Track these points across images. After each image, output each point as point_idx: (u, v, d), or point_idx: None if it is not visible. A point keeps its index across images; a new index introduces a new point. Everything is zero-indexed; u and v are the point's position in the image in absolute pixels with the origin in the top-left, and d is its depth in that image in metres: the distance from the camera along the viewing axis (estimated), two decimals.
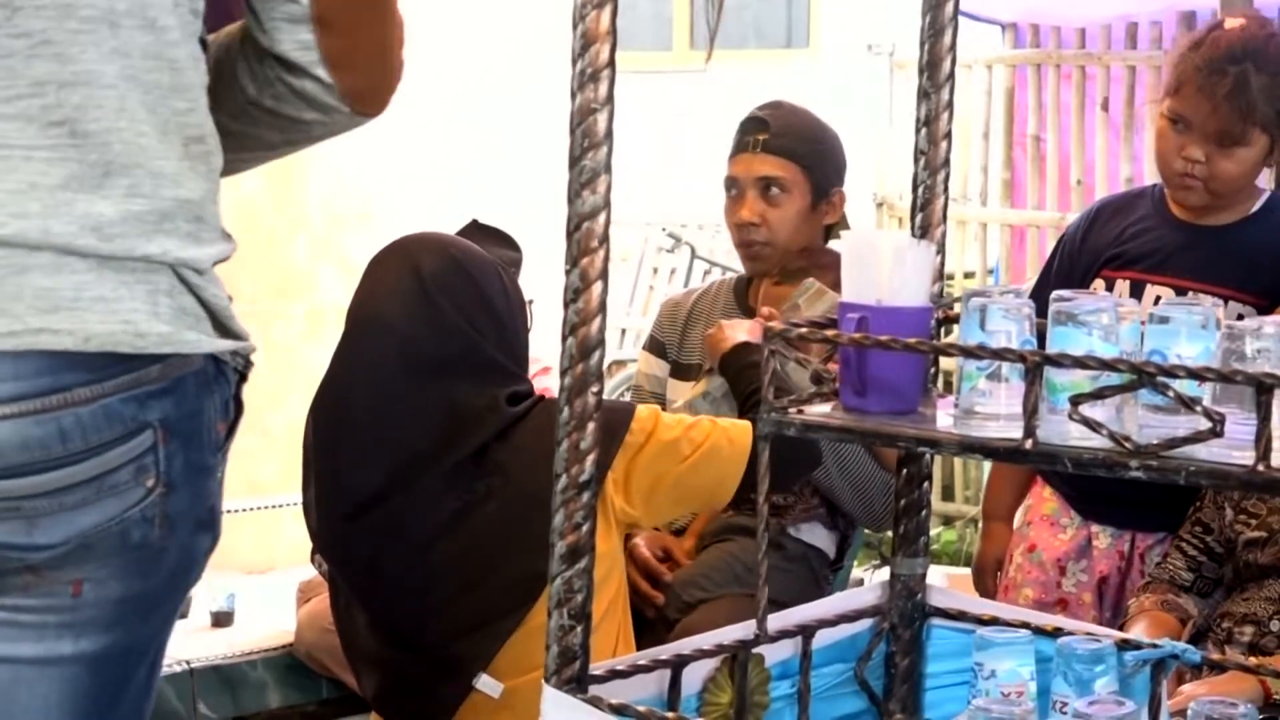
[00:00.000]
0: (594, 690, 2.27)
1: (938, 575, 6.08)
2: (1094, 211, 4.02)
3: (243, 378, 2.24)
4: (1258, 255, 3.73)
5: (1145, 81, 7.48)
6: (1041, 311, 2.29)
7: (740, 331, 3.81)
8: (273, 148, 2.35)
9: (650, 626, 3.77)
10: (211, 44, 2.21)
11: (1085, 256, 3.90)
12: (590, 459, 2.22)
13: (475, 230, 3.60)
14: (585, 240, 2.19)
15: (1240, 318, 3.57)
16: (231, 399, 2.21)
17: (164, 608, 2.19)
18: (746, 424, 3.43)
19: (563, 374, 2.22)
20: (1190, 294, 3.50)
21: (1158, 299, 3.66)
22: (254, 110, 2.24)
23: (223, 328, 2.15)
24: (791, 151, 4.10)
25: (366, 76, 2.28)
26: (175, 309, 2.07)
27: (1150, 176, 4.05)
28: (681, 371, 4.16)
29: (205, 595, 4.93)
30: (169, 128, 2.05)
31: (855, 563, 4.61)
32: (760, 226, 4.10)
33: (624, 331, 9.50)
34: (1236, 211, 3.79)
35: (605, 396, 2.28)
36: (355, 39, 2.23)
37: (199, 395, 2.12)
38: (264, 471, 5.74)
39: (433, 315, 3.33)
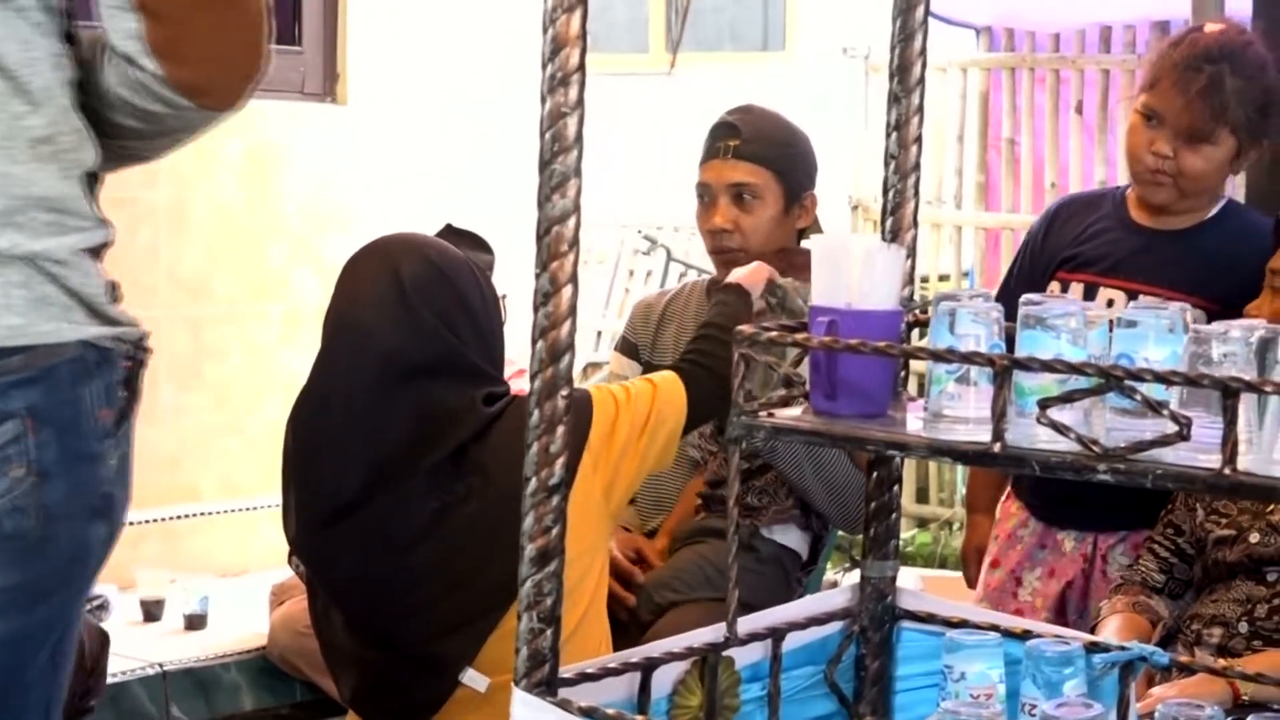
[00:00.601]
0: (564, 693, 2.27)
1: (912, 578, 6.11)
2: (1053, 211, 4.06)
3: (137, 363, 2.23)
4: (1211, 259, 3.76)
5: (1119, 85, 7.51)
6: (1009, 313, 2.30)
7: (746, 275, 3.83)
8: (145, 139, 2.30)
9: (623, 628, 3.77)
10: (85, 38, 2.21)
11: (1044, 256, 3.94)
12: (560, 462, 2.23)
13: (450, 234, 3.61)
14: (555, 244, 2.19)
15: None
16: (121, 384, 2.20)
17: (57, 596, 2.18)
18: (674, 376, 3.51)
19: (532, 377, 2.22)
20: (1141, 297, 3.52)
21: (1110, 302, 3.72)
22: (116, 101, 2.22)
23: (98, 314, 2.15)
24: (763, 157, 4.10)
25: (201, 69, 2.22)
26: (31, 300, 2.07)
27: (1125, 180, 4.06)
28: (653, 372, 4.15)
29: (179, 598, 4.93)
30: (13, 132, 2.06)
31: (829, 564, 4.62)
32: (734, 233, 4.09)
33: (600, 334, 9.51)
34: (1194, 216, 3.83)
35: None
36: (184, 29, 2.17)
37: (75, 384, 2.11)
38: (241, 473, 5.73)
39: (410, 319, 3.34)
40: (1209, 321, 3.60)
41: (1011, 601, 3.95)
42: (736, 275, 3.83)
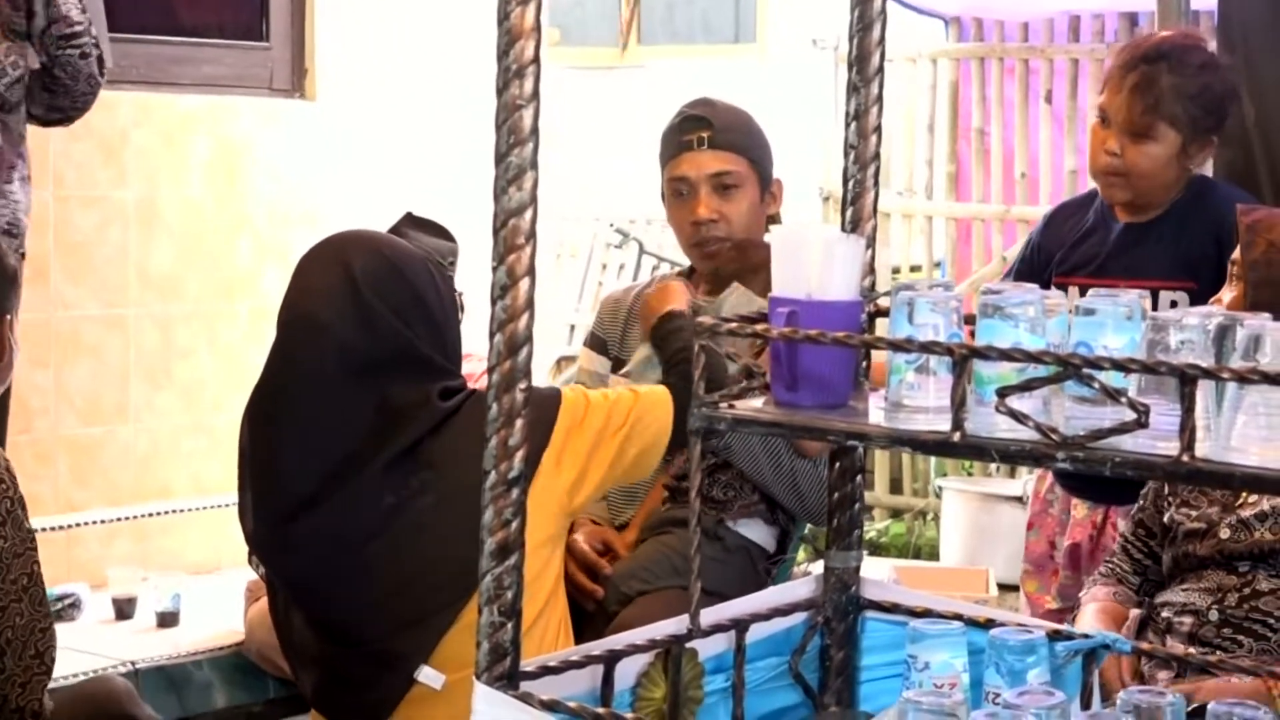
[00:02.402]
0: (525, 686, 2.27)
1: (886, 568, 6.12)
2: (1049, 216, 4.22)
3: None
4: (1183, 238, 3.89)
5: (1088, 74, 7.53)
6: None
7: (671, 299, 3.85)
8: None
9: (589, 620, 3.78)
10: None
11: (1041, 257, 4.10)
12: (519, 455, 2.22)
13: (410, 222, 3.61)
14: (511, 237, 2.19)
15: (1174, 305, 3.68)
16: None
17: None
18: (664, 390, 3.47)
19: (490, 370, 2.21)
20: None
21: None
22: None
23: None
24: (738, 145, 4.10)
25: None
26: None
27: None
28: (623, 367, 4.15)
29: (151, 596, 4.92)
30: None
31: (799, 555, 4.63)
32: (719, 222, 4.08)
33: (573, 327, 9.49)
34: (1164, 200, 3.95)
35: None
36: None
37: None
38: (210, 471, 5.73)
39: (364, 314, 3.33)
40: (1193, 302, 3.72)
41: (1050, 564, 4.15)
42: (673, 299, 3.86)
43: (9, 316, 3.43)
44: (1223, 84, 3.93)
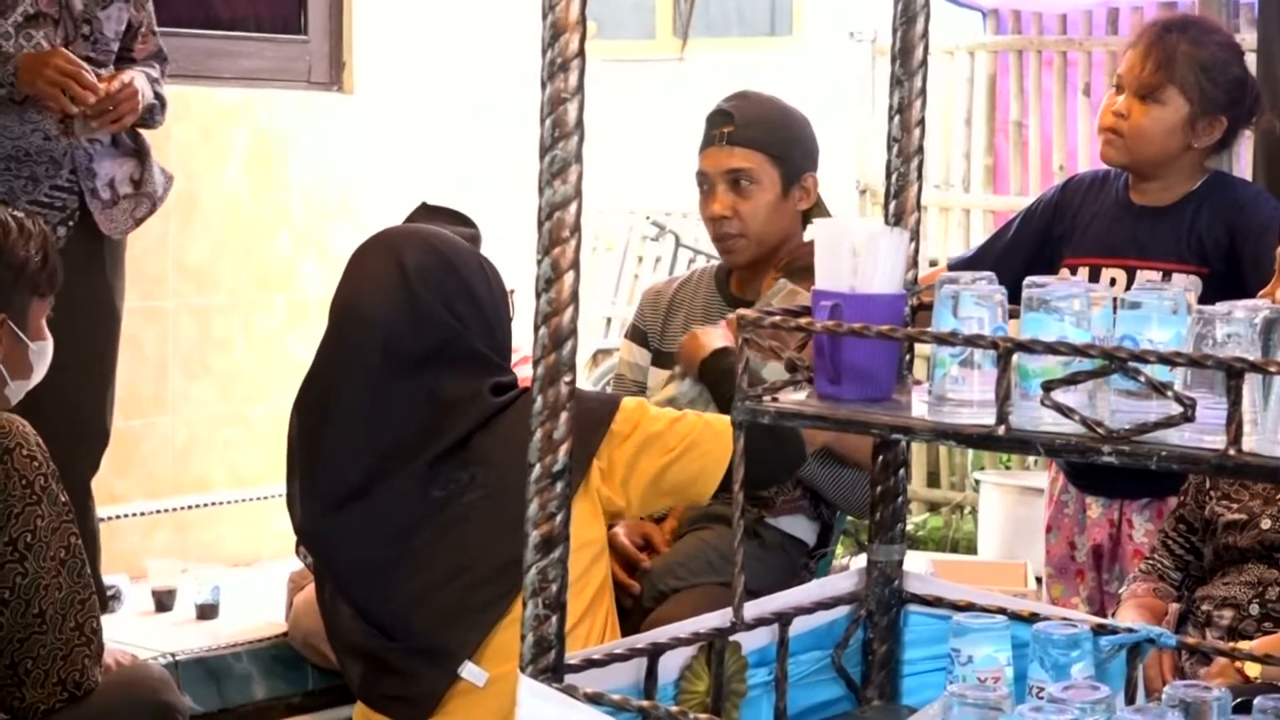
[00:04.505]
0: (570, 679, 2.27)
1: (923, 561, 6.10)
2: (1066, 182, 4.22)
3: None
4: (1202, 229, 3.87)
5: None
6: (1001, 276, 2.35)
7: (715, 337, 3.83)
8: None
9: (627, 615, 3.78)
10: None
11: (1047, 213, 4.09)
12: (564, 448, 2.23)
13: (426, 211, 3.61)
14: (556, 230, 2.19)
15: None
16: None
17: None
18: (727, 422, 3.42)
19: (535, 363, 2.22)
20: (1139, 274, 3.80)
21: (1113, 281, 3.86)
22: None
23: None
24: (757, 142, 4.10)
25: None
26: None
27: None
28: (663, 360, 4.16)
29: (190, 588, 4.93)
30: None
31: (838, 549, 4.63)
32: (733, 219, 4.09)
33: (609, 320, 9.50)
34: (1179, 189, 3.94)
35: (591, 386, 2.29)
36: None
37: None
38: (248, 464, 5.73)
39: (416, 308, 3.33)
40: (1206, 288, 3.73)
41: (1072, 565, 4.13)
42: (718, 338, 3.83)
43: (31, 308, 3.44)
44: (1239, 66, 3.94)
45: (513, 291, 3.52)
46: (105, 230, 4.51)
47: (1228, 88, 3.88)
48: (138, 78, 4.48)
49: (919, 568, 3.46)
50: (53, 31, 4.44)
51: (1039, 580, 6.28)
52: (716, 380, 3.76)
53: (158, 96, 4.60)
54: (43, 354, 3.50)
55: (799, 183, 4.13)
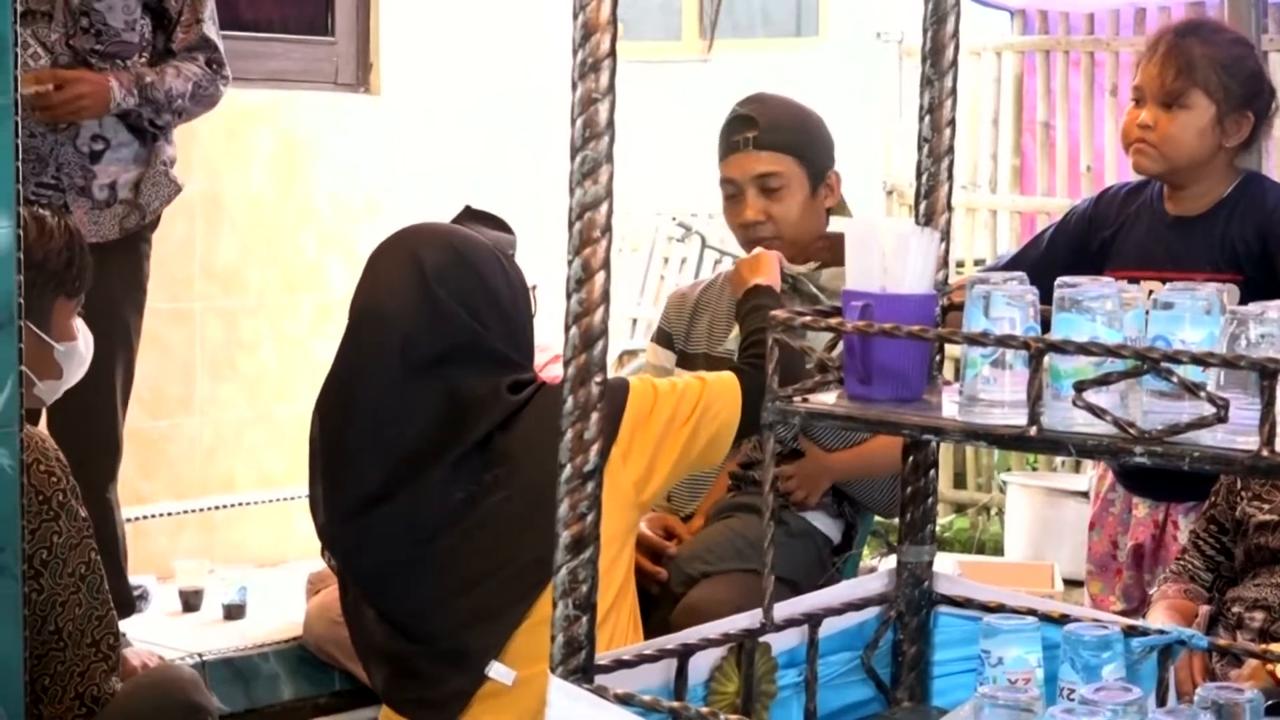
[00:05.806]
0: (600, 680, 2.27)
1: (950, 563, 6.09)
2: (1101, 193, 4.18)
3: None
4: (1230, 230, 3.85)
5: None
6: (1034, 280, 2.33)
7: (762, 270, 3.86)
8: None
9: (654, 603, 3.78)
10: None
11: (1081, 224, 4.05)
12: (594, 449, 2.22)
13: (469, 215, 3.61)
14: (587, 230, 2.19)
15: None
16: None
17: None
18: (731, 377, 3.44)
19: (566, 364, 2.22)
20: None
21: (1150, 294, 3.75)
22: None
23: None
24: (783, 144, 4.10)
25: None
26: None
27: None
28: (688, 361, 4.16)
29: (217, 588, 4.94)
30: None
31: (865, 550, 4.62)
32: (766, 223, 4.10)
33: (635, 321, 9.48)
34: (1211, 196, 3.91)
35: None
36: None
37: None
38: (274, 464, 5.74)
39: (434, 307, 3.33)
40: (1243, 296, 3.71)
41: (1113, 564, 4.12)
42: (753, 275, 3.85)
43: (54, 307, 3.44)
44: (1253, 60, 3.96)
45: (534, 287, 3.51)
46: (85, 232, 4.48)
47: (1247, 82, 3.88)
48: (120, 77, 4.40)
49: (946, 569, 3.45)
50: (48, 28, 4.40)
51: (1066, 582, 6.28)
52: (744, 319, 3.80)
53: (169, 94, 4.54)
54: (72, 355, 3.49)
55: (824, 180, 4.14)
